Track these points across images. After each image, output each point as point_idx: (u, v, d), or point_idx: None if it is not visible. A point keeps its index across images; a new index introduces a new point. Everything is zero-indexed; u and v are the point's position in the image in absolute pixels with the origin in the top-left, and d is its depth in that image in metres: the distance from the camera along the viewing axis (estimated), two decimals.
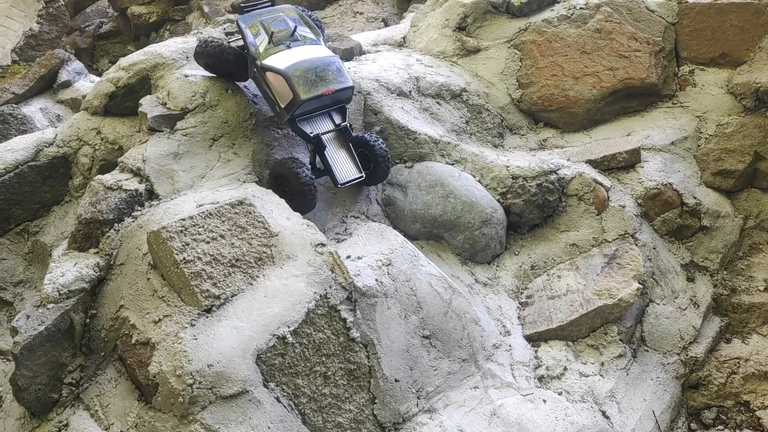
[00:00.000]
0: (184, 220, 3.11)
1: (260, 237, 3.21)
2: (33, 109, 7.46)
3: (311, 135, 3.63)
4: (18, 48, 8.27)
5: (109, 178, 3.48)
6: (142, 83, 4.02)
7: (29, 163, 3.95)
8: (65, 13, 8.54)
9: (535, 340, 3.71)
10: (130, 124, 4.05)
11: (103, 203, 3.34)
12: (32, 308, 3.12)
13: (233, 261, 3.09)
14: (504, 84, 4.65)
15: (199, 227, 3.11)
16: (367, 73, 4.40)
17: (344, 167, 3.69)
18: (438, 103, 4.49)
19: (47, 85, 7.65)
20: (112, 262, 3.26)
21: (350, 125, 3.77)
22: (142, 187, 3.43)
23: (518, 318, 3.81)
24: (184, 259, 3.00)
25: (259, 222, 3.25)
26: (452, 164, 4.20)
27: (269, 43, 3.65)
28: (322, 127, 3.70)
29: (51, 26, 8.44)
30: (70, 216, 4.04)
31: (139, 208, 3.40)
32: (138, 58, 4.05)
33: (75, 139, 4.05)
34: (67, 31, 8.90)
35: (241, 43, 3.77)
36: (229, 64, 3.79)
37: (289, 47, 3.66)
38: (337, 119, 3.74)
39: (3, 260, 3.90)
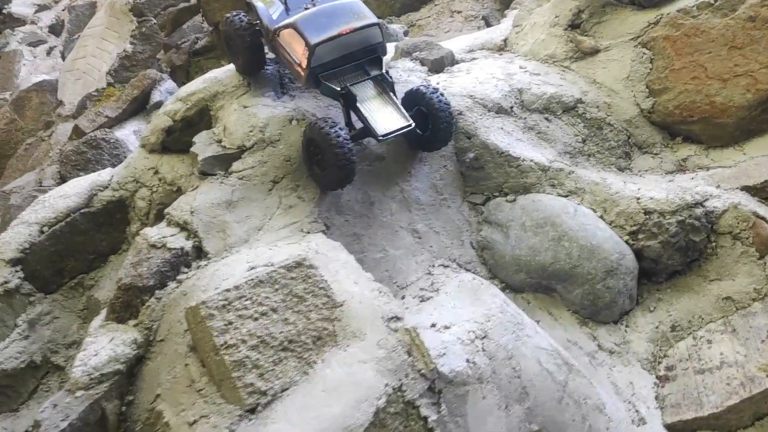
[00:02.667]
0: (228, 291, 2.54)
1: (321, 308, 2.59)
2: (126, 132, 7.34)
3: (339, 89, 3.07)
4: (113, 70, 8.21)
5: (154, 233, 2.99)
6: (202, 115, 3.53)
7: (81, 210, 3.56)
8: (157, 32, 8.39)
9: (679, 430, 2.85)
10: (189, 161, 3.56)
11: (144, 265, 2.85)
12: (63, 393, 2.67)
13: (285, 343, 2.48)
14: (630, 91, 3.78)
15: (246, 300, 2.54)
16: (460, 88, 3.68)
17: (384, 117, 3.06)
18: (547, 119, 3.70)
19: (140, 106, 7.52)
20: (151, 338, 2.76)
21: (388, 73, 3.19)
22: (189, 245, 2.91)
23: (656, 398, 2.96)
24: (226, 343, 2.43)
25: (320, 289, 2.63)
26: (566, 196, 3.41)
27: (285, 10, 3.22)
28: (352, 80, 3.14)
29: (144, 46, 8.32)
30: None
31: (186, 269, 2.89)
32: (196, 86, 3.56)
33: (131, 180, 3.62)
34: (161, 49, 8.75)
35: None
36: (237, 39, 3.35)
37: (306, 9, 3.17)
38: (374, 72, 3.18)
39: (55, 319, 3.53)
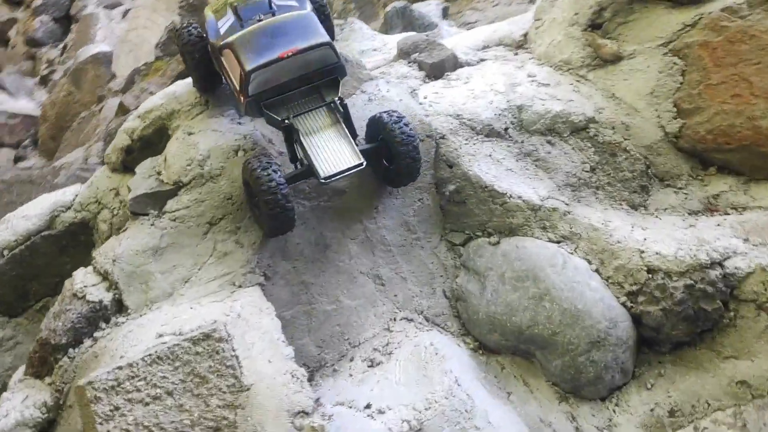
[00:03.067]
0: (120, 369, 2.28)
1: (224, 392, 2.28)
2: None
3: (282, 120, 2.68)
4: (161, 43, 8.09)
5: (79, 280, 2.76)
6: (160, 135, 3.22)
7: (42, 233, 3.39)
8: (207, 2, 8.15)
9: None
10: None
11: (61, 319, 2.64)
12: None
13: None
14: (654, 110, 3.13)
15: (140, 380, 2.27)
16: (447, 104, 3.19)
17: (331, 154, 2.65)
18: (549, 142, 3.14)
19: None
20: (62, 401, 2.56)
21: (342, 100, 2.74)
22: (108, 297, 2.67)
23: None
24: None
25: (227, 368, 2.32)
26: (558, 242, 2.89)
27: (236, 22, 2.79)
28: (302, 108, 2.73)
29: (192, 17, 8.11)
30: None
31: (104, 325, 2.64)
32: (154, 102, 3.26)
33: (93, 201, 3.41)
34: None
35: None
36: (185, 55, 3.01)
37: (259, 21, 2.75)
38: (328, 98, 2.75)
39: (18, 344, 3.43)
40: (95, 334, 2.62)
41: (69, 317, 2.62)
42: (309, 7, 2.87)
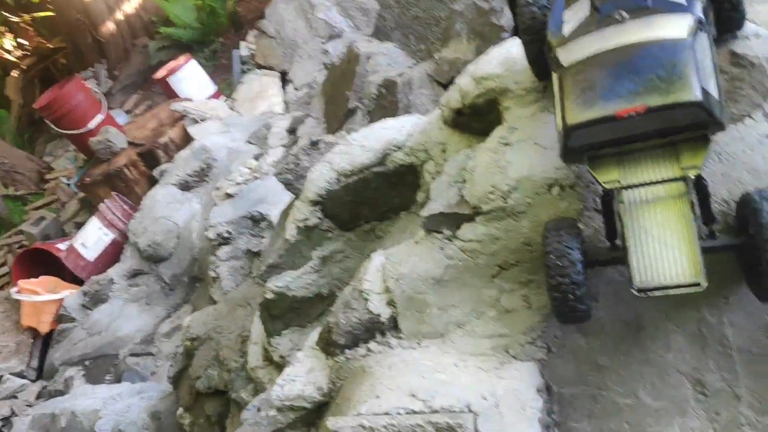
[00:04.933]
0: (363, 428, 2.22)
1: None
2: None
3: (602, 188, 1.98)
4: None
5: (370, 275, 2.66)
6: (491, 106, 2.75)
7: (374, 169, 3.35)
8: None
9: None
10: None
11: (346, 314, 2.64)
12: (267, 400, 2.90)
13: None
14: None
15: None
16: None
17: (658, 257, 1.89)
18: None
19: None
20: (333, 395, 2.67)
21: (702, 179, 1.91)
22: (387, 313, 2.55)
23: None
24: None
25: None
26: None
27: (590, 19, 1.99)
28: (641, 174, 1.93)
29: None
30: (412, 228, 3.40)
31: (380, 337, 2.57)
32: (491, 68, 2.70)
33: (422, 150, 3.19)
34: None
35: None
36: (518, 29, 2.32)
37: (621, 21, 1.91)
38: (689, 161, 1.88)
39: (346, 258, 3.61)
40: (369, 345, 2.59)
41: (350, 319, 2.61)
42: (699, 6, 1.89)
